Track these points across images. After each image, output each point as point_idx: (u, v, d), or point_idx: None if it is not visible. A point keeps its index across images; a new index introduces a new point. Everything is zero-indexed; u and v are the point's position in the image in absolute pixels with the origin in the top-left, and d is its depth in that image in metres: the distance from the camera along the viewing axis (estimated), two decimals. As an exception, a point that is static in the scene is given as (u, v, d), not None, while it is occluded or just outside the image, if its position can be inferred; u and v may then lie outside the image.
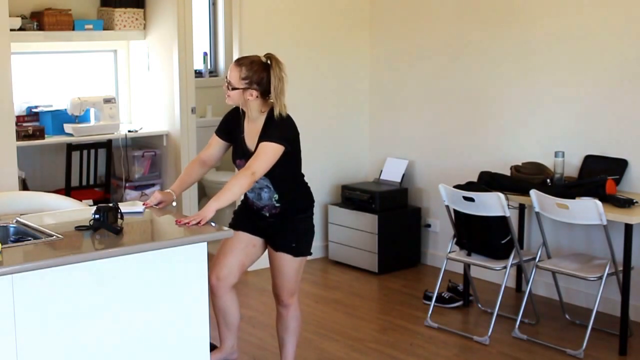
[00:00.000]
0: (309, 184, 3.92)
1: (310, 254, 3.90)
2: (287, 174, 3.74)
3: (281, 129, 3.66)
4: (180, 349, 3.25)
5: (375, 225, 5.75)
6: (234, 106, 3.80)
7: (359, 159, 6.39)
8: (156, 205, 3.63)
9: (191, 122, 6.34)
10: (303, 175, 3.89)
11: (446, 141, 5.81)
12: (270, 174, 3.66)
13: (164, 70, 6.38)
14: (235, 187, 3.52)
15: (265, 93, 3.65)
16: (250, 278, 5.75)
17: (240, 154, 3.77)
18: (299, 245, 3.79)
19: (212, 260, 3.79)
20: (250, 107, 3.68)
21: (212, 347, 4.21)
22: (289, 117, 3.72)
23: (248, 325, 4.81)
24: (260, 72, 3.64)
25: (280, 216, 3.76)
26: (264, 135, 3.65)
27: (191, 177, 3.92)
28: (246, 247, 3.86)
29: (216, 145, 3.87)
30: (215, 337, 4.42)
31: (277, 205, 3.75)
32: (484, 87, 5.52)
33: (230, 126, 3.82)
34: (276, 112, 3.65)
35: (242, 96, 3.65)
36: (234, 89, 3.65)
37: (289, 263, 3.82)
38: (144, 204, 3.62)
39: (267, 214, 3.79)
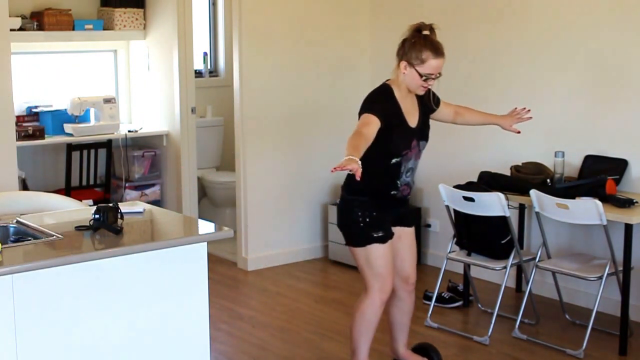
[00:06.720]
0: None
1: None
2: None
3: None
4: (180, 348, 3.25)
5: (375, 225, 5.74)
6: (381, 88, 3.71)
7: (359, 159, 6.37)
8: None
9: (191, 122, 6.34)
10: None
11: (446, 141, 5.80)
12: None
13: (164, 70, 6.38)
14: None
15: None
16: (250, 278, 5.76)
17: (409, 138, 3.68)
18: None
19: (383, 275, 3.73)
20: None
21: None
22: None
23: (248, 325, 4.81)
24: None
25: (409, 194, 3.82)
26: (437, 98, 3.81)
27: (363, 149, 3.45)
28: (395, 246, 3.82)
29: (375, 126, 3.52)
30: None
31: (413, 182, 3.82)
32: (484, 87, 5.52)
33: (388, 111, 3.61)
34: None
35: None
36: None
37: (414, 235, 3.93)
38: (335, 168, 3.20)
39: (408, 196, 3.83)
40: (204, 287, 3.27)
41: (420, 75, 3.60)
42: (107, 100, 6.36)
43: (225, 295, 5.35)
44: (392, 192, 3.73)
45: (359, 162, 3.23)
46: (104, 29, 6.34)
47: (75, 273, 2.91)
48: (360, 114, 3.60)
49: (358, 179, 3.21)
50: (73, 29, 6.13)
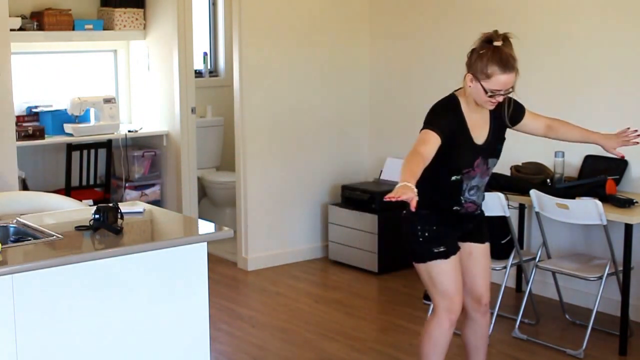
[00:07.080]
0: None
1: None
2: None
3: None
4: (180, 348, 3.25)
5: (375, 225, 5.74)
6: (447, 99, 3.43)
7: (359, 159, 6.38)
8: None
9: (191, 122, 6.34)
10: None
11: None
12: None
13: (164, 70, 6.38)
14: None
15: None
16: (250, 278, 5.76)
17: (473, 156, 3.36)
18: None
19: (448, 293, 3.53)
20: None
21: None
22: None
23: (248, 325, 4.81)
24: None
25: (480, 208, 3.54)
26: (519, 109, 3.56)
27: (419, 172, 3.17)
28: (464, 262, 3.58)
29: (435, 144, 3.23)
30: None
31: (482, 199, 3.52)
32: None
33: (452, 126, 3.31)
34: None
35: None
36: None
37: (489, 252, 3.62)
38: (388, 198, 2.98)
39: (475, 213, 3.51)
40: (204, 287, 3.27)
41: (486, 91, 3.30)
42: (107, 100, 6.36)
43: (225, 295, 5.35)
44: (455, 208, 3.45)
45: (415, 190, 2.98)
46: (104, 29, 6.34)
47: (75, 273, 2.91)
48: (423, 126, 3.32)
49: (413, 209, 2.97)
50: (73, 29, 6.14)
